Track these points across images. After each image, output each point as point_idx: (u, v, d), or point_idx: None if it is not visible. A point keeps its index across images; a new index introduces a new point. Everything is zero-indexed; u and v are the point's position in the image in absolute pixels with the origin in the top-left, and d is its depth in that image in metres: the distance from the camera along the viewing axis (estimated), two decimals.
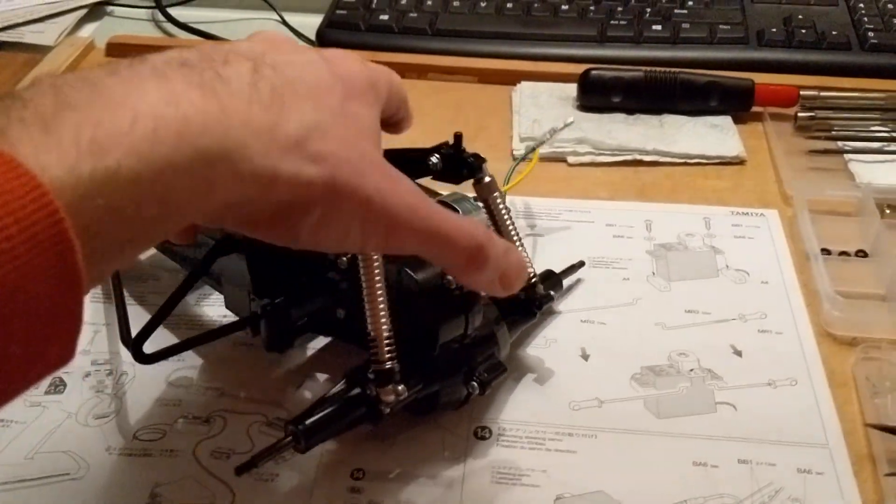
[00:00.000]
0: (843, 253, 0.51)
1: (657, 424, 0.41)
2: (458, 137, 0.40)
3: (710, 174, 0.59)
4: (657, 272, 0.50)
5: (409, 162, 0.40)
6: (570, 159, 0.60)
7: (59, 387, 0.43)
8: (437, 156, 0.40)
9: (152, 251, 0.51)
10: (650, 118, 0.63)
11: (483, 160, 0.41)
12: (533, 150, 0.53)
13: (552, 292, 0.45)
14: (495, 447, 0.40)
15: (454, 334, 0.38)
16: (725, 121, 0.63)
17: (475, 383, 0.39)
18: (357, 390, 0.37)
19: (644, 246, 0.52)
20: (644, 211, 0.55)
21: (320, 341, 0.46)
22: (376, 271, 0.35)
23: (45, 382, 0.43)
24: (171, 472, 0.39)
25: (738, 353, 0.45)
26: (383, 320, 0.36)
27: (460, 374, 0.39)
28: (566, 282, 0.48)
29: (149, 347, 0.40)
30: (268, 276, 0.41)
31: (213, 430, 0.41)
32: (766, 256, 0.51)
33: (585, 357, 0.45)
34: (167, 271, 0.50)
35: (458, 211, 0.47)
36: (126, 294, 0.47)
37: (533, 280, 0.43)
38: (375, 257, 0.35)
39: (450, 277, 0.37)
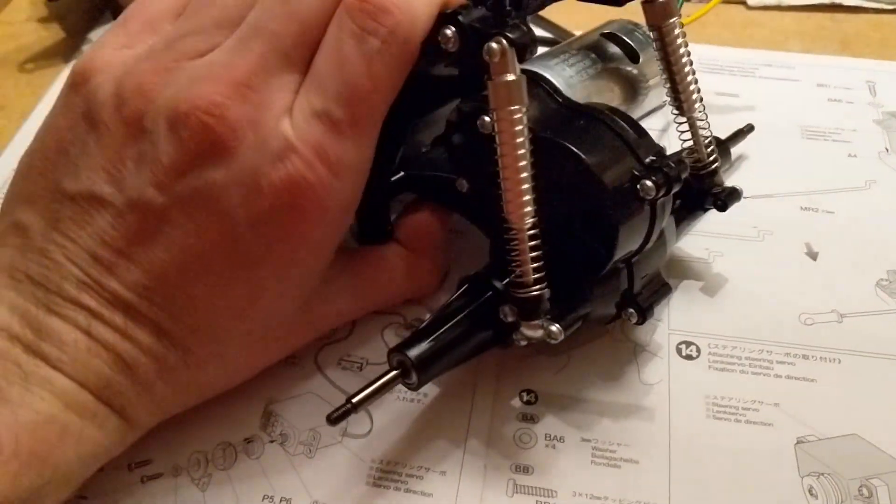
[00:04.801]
0: None
1: None
2: None
3: None
4: (892, 148, 0.39)
5: None
6: (751, 1, 0.48)
7: None
8: None
9: None
10: None
11: None
12: None
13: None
14: (707, 370, 0.31)
15: (629, 250, 0.27)
16: None
17: (633, 310, 0.28)
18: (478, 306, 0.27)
19: (870, 114, 0.41)
20: (864, 69, 0.43)
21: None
22: (519, 137, 0.24)
23: None
24: (290, 386, 0.30)
25: None
26: (529, 222, 0.25)
27: (616, 295, 0.28)
28: (771, 149, 0.37)
29: None
30: None
31: (339, 333, 0.31)
32: None
33: (813, 255, 0.34)
34: None
35: (629, 43, 0.36)
36: None
37: (714, 165, 0.31)
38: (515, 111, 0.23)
39: (648, 183, 0.25)
